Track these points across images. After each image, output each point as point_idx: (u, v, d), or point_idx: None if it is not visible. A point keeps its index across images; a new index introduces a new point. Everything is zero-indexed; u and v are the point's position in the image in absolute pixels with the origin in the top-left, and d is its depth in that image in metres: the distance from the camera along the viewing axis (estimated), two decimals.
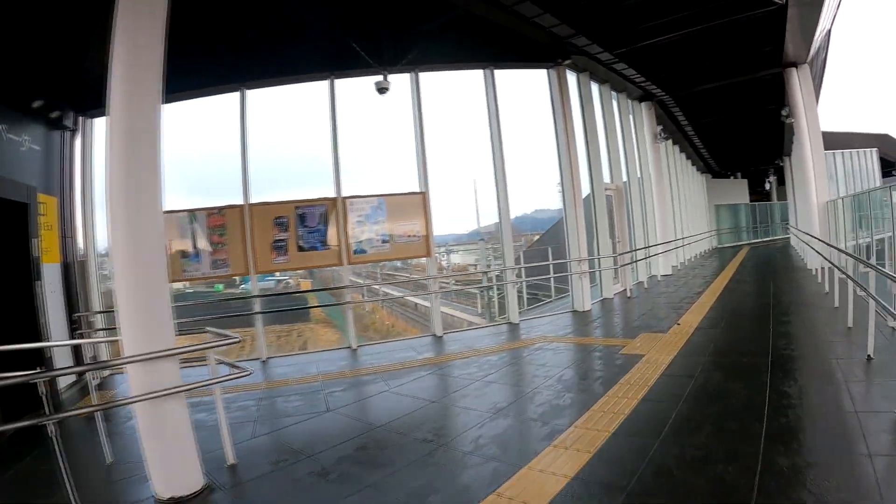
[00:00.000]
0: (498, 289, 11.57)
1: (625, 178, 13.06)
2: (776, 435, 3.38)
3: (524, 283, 11.58)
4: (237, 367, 3.77)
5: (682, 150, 21.03)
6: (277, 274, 13.22)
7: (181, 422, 3.43)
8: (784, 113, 12.79)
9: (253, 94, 8.48)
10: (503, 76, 9.46)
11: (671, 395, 4.40)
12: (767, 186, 28.86)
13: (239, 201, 8.17)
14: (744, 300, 9.52)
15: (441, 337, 8.43)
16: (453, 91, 10.24)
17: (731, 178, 30.01)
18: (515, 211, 9.88)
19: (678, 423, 3.79)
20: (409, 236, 8.76)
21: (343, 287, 8.92)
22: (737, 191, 29.54)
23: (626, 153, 13.35)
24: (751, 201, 30.00)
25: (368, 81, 8.39)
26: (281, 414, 5.03)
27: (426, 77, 8.96)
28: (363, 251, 8.63)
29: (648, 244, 13.78)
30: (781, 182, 28.39)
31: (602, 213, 10.68)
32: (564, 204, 9.69)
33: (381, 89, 7.93)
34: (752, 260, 17.99)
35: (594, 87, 12.01)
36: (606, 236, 10.73)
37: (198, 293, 13.28)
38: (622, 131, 13.38)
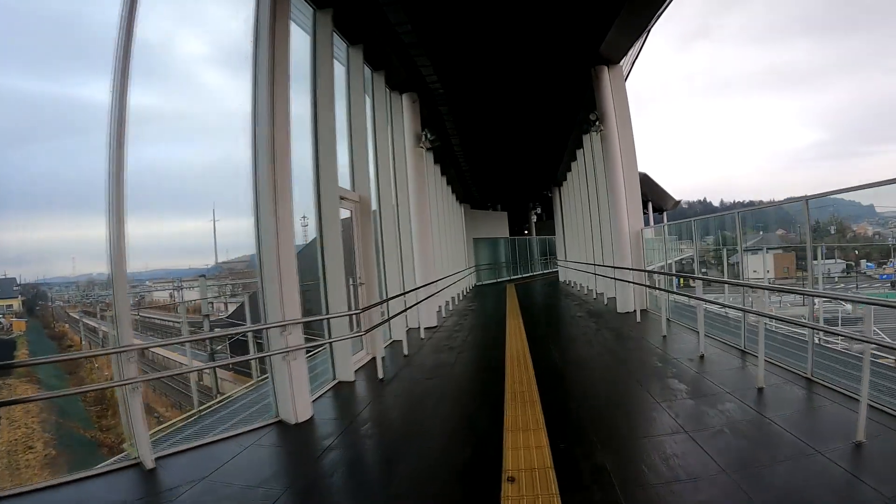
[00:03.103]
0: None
1: (373, 190, 9.40)
2: None
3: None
4: None
5: (443, 173, 18.72)
6: None
7: None
8: (592, 118, 10.73)
9: None
10: None
11: None
12: (534, 219, 29.21)
13: None
14: (585, 380, 6.23)
15: None
16: None
17: (492, 209, 29.66)
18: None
19: None
20: None
21: None
22: (496, 224, 29.24)
23: (377, 154, 9.75)
24: (510, 235, 29.96)
25: None
26: None
27: None
28: None
29: (406, 287, 10.28)
30: (540, 217, 29.13)
31: (332, 236, 6.64)
32: (258, 211, 5.33)
33: None
34: (532, 302, 16.15)
35: (339, 47, 8.22)
36: (341, 278, 6.70)
37: None
38: (373, 121, 9.79)
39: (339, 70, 8.68)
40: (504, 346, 8.12)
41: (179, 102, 7.72)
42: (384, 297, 9.04)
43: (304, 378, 5.46)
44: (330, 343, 6.61)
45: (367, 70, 9.85)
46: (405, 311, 9.17)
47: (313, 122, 6.88)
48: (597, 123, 10.74)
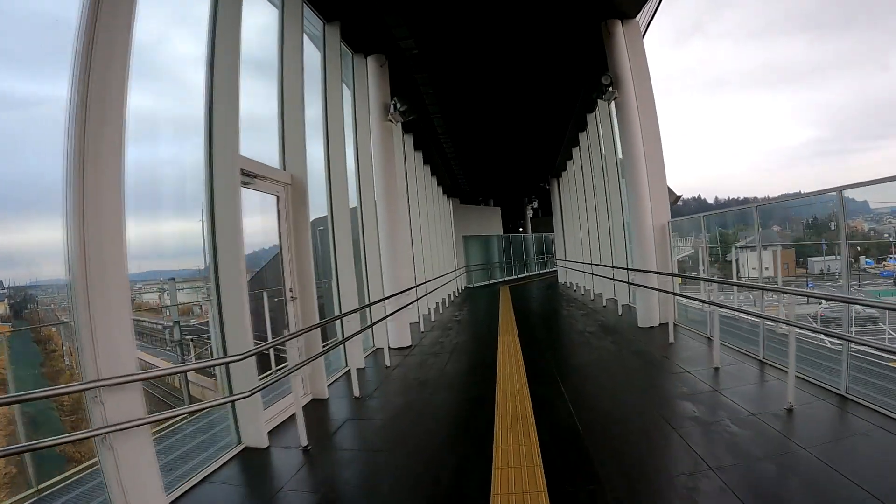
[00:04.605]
0: None
1: (322, 173, 7.28)
2: None
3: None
4: None
5: (426, 161, 16.53)
6: None
7: None
8: (605, 81, 8.57)
9: None
10: None
11: None
12: (530, 214, 27.07)
13: None
14: (624, 461, 3.70)
15: None
16: None
17: (484, 204, 27.42)
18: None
19: None
20: None
21: None
22: (489, 220, 26.95)
23: (328, 128, 7.58)
24: (504, 233, 27.69)
25: None
26: None
27: None
28: None
29: (369, 298, 8.11)
30: (536, 213, 26.99)
31: (227, 228, 4.45)
32: (66, 206, 3.15)
33: None
34: (530, 309, 13.92)
35: None
36: (241, 291, 4.50)
37: None
38: (324, 86, 7.63)
39: (272, 13, 6.54)
40: (495, 382, 5.93)
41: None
42: (337, 314, 6.90)
43: (150, 467, 3.27)
44: (233, 403, 4.41)
45: (316, 18, 7.71)
46: (358, 333, 6.96)
47: (209, 63, 4.72)
48: (610, 89, 8.56)
